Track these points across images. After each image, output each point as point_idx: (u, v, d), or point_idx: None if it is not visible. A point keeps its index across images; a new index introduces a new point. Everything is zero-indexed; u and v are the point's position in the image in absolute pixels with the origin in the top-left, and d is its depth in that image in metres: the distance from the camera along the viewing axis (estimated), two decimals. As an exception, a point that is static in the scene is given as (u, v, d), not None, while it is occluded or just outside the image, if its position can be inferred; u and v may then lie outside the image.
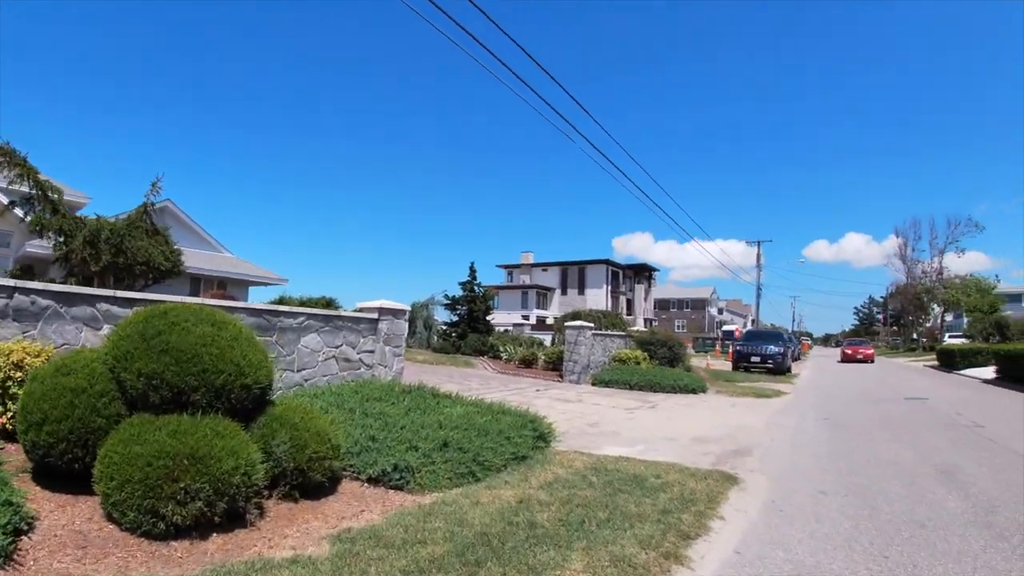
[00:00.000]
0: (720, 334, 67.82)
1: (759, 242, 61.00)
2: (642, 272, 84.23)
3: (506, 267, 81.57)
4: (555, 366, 20.92)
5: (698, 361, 28.82)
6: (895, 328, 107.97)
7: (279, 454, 5.04)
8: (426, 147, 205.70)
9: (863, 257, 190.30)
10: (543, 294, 74.05)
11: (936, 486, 7.09)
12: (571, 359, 18.96)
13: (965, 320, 77.33)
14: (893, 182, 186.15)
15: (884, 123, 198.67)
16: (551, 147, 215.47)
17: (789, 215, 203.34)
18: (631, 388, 17.74)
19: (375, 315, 10.60)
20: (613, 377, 18.39)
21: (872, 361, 44.54)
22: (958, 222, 73.15)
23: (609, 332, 22.49)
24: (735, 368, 28.43)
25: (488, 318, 30.24)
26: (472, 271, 30.50)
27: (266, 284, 33.36)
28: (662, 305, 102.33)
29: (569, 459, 7.44)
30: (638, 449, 8.72)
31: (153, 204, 17.16)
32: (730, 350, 46.37)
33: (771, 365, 27.39)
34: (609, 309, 50.49)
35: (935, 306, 75.10)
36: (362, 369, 10.34)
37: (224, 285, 30.54)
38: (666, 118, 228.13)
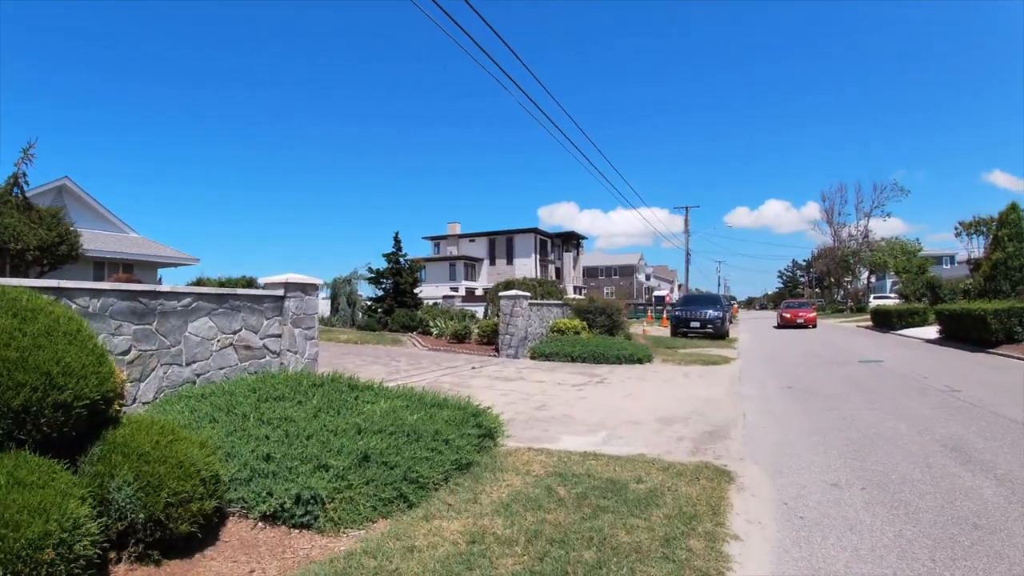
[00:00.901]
0: (652, 299, 67.61)
1: (687, 207, 60.68)
2: (570, 240, 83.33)
3: (433, 239, 79.60)
4: (489, 340, 19.54)
5: (633, 328, 27.76)
6: (818, 290, 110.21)
7: (120, 501, 3.47)
8: (349, 123, 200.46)
9: (782, 223, 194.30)
10: (471, 265, 72.58)
11: (957, 468, 6.10)
12: (507, 332, 17.59)
13: (888, 282, 79.11)
14: (812, 151, 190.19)
15: (799, 97, 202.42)
16: (477, 112, 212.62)
17: (711, 183, 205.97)
18: (573, 360, 16.53)
19: (280, 291, 8.92)
20: (553, 349, 17.13)
21: (814, 326, 37.78)
22: (884, 186, 74.45)
23: (546, 301, 21.20)
24: (674, 334, 27.52)
25: (416, 291, 28.48)
26: (397, 242, 28.58)
27: (176, 265, 31.13)
28: (590, 273, 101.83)
29: (524, 461, 6.05)
30: (601, 438, 7.43)
31: (24, 174, 14.89)
32: (664, 316, 45.99)
33: (710, 330, 26.55)
34: (539, 278, 49.30)
35: (861, 268, 76.21)
36: (268, 357, 8.70)
37: (131, 268, 28.31)
38: (614, 95, 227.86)
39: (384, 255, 28.61)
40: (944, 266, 72.99)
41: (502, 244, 74.44)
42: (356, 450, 4.93)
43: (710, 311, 27.17)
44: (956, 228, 58.68)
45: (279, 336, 8.89)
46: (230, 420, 5.55)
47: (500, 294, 18.59)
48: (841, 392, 11.37)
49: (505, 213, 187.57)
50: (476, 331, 20.42)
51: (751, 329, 37.64)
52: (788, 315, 38.62)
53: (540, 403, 9.99)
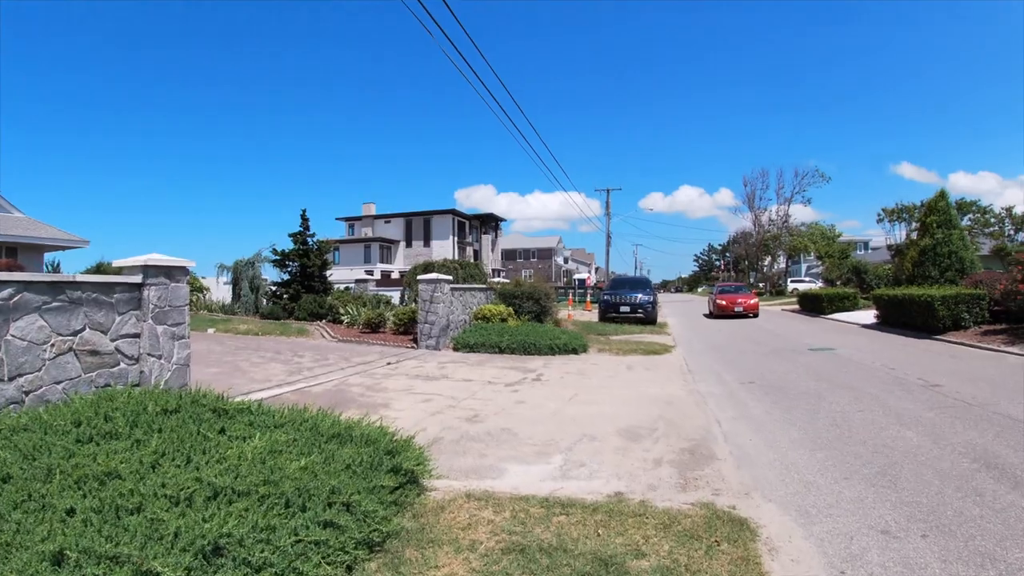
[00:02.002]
0: (573, 282, 66.63)
1: (608, 190, 60.02)
2: (488, 222, 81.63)
3: (347, 220, 76.60)
4: (406, 329, 17.71)
5: (559, 313, 26.18)
6: (733, 274, 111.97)
7: None
8: (258, 93, 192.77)
9: (696, 208, 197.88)
10: (387, 247, 70.16)
11: (1012, 494, 4.97)
12: (427, 320, 15.78)
13: (804, 266, 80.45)
14: (724, 142, 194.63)
15: (710, 90, 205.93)
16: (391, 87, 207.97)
17: (625, 169, 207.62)
18: (501, 352, 14.88)
19: (138, 278, 6.88)
20: (478, 339, 15.43)
21: (756, 314, 31.03)
22: (806, 172, 75.39)
23: (469, 286, 19.39)
24: (602, 319, 26.14)
25: (325, 275, 26.10)
26: (304, 220, 25.95)
27: (65, 248, 28.02)
28: (509, 255, 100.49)
29: (464, 522, 4.29)
30: (557, 466, 5.79)
31: None
32: (587, 299, 44.74)
33: (640, 315, 25.29)
34: (459, 260, 47.56)
35: (781, 252, 77.01)
36: (123, 365, 6.70)
37: (14, 252, 25.33)
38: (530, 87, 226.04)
39: (290, 235, 26.00)
40: (859, 252, 74.23)
41: (419, 226, 72.26)
42: (201, 538, 3.05)
43: (640, 295, 25.94)
44: (879, 215, 59.54)
45: (136, 336, 6.88)
46: (27, 477, 3.66)
47: (419, 277, 16.71)
48: (813, 388, 10.17)
49: (422, 195, 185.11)
50: (392, 319, 18.50)
51: (676, 313, 36.68)
52: (724, 302, 31.12)
53: (471, 411, 8.26)
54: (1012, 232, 63.90)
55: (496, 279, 25.91)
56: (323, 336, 18.69)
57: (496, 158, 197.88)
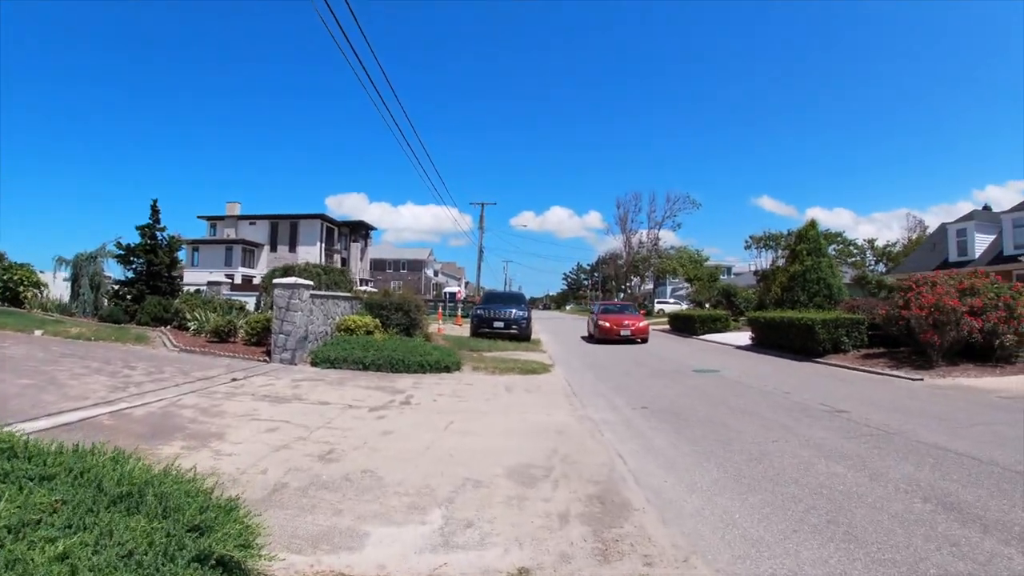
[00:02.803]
0: (444, 296, 65.42)
1: (483, 204, 59.45)
2: (359, 230, 79.09)
3: (209, 219, 71.58)
4: (260, 339, 15.90)
5: (428, 327, 24.85)
6: (599, 293, 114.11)
7: None
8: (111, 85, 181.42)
9: (565, 228, 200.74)
10: (250, 250, 66.59)
11: (992, 543, 4.36)
12: (282, 330, 14.15)
13: (669, 288, 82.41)
14: (591, 168, 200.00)
15: (578, 122, 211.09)
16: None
17: (502, 186, 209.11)
18: (366, 368, 13.48)
19: None
20: (340, 354, 13.92)
21: (645, 340, 26.79)
22: (678, 197, 77.40)
23: (332, 293, 17.83)
24: (474, 334, 24.95)
25: (174, 274, 23.65)
26: (154, 211, 23.25)
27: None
28: (379, 266, 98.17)
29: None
30: (436, 527, 4.54)
31: None
32: (457, 314, 43.49)
33: (514, 331, 24.32)
34: (324, 265, 45.51)
35: (650, 274, 78.55)
36: None
37: None
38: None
39: (138, 228, 23.32)
40: (724, 276, 76.60)
41: (285, 229, 68.96)
42: None
43: (514, 311, 24.97)
44: (747, 241, 62.20)
45: None
46: None
47: (275, 281, 15.04)
48: (715, 415, 9.50)
49: (291, 199, 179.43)
50: (244, 328, 16.65)
51: (548, 330, 35.89)
52: (607, 324, 26.56)
53: (326, 446, 6.86)
54: (873, 263, 67.52)
55: (364, 288, 24.20)
56: (164, 344, 16.62)
57: (371, 165, 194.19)
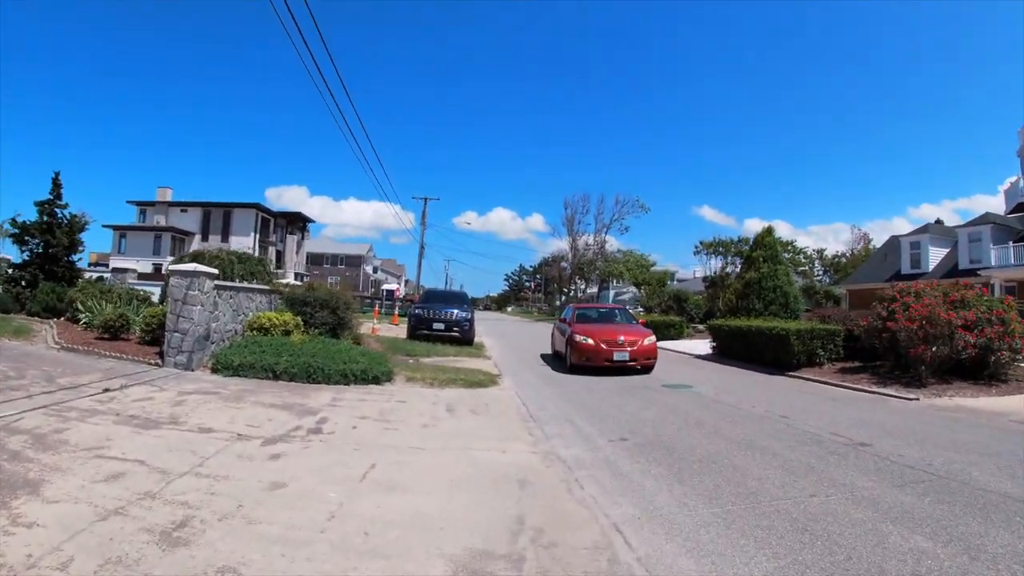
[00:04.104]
0: (382, 293, 62.75)
1: (426, 198, 57.07)
2: (296, 222, 75.84)
3: (139, 204, 67.53)
4: (157, 338, 13.16)
5: (362, 326, 22.33)
6: (543, 296, 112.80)
7: None
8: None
9: (508, 230, 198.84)
10: (180, 239, 62.89)
11: None
12: (177, 327, 11.64)
13: (612, 292, 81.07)
14: (531, 165, 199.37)
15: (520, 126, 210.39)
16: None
17: (446, 184, 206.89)
18: (276, 377, 11.10)
19: None
20: (247, 359, 11.45)
21: (650, 368, 16.16)
22: (627, 201, 75.39)
23: (244, 285, 15.24)
24: (412, 336, 22.39)
25: (74, 258, 20.74)
26: (56, 186, 20.48)
27: None
28: (316, 260, 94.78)
29: None
30: None
31: None
32: (395, 312, 40.87)
33: (456, 333, 21.93)
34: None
35: (594, 277, 76.86)
36: None
37: None
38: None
39: (36, 203, 20.38)
40: (670, 282, 75.49)
41: (218, 218, 65.55)
42: None
43: (456, 311, 22.55)
44: (696, 247, 60.48)
45: None
46: None
47: (171, 268, 12.49)
48: (714, 451, 7.49)
49: (229, 189, 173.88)
50: (140, 323, 14.07)
51: (490, 332, 33.35)
52: (592, 343, 15.73)
53: (179, 514, 4.53)
54: (820, 273, 67.12)
55: (287, 282, 21.46)
56: (46, 340, 13.96)
57: (314, 156, 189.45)
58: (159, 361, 11.81)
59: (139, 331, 13.93)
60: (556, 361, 18.10)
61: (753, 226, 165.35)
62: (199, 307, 11.73)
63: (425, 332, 21.98)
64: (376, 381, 11.46)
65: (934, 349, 13.74)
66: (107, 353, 12.51)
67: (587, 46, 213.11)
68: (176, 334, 11.61)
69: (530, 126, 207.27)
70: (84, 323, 15.63)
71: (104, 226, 62.79)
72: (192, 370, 11.42)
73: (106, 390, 9.11)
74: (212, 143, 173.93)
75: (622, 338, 15.77)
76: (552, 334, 20.87)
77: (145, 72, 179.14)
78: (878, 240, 75.13)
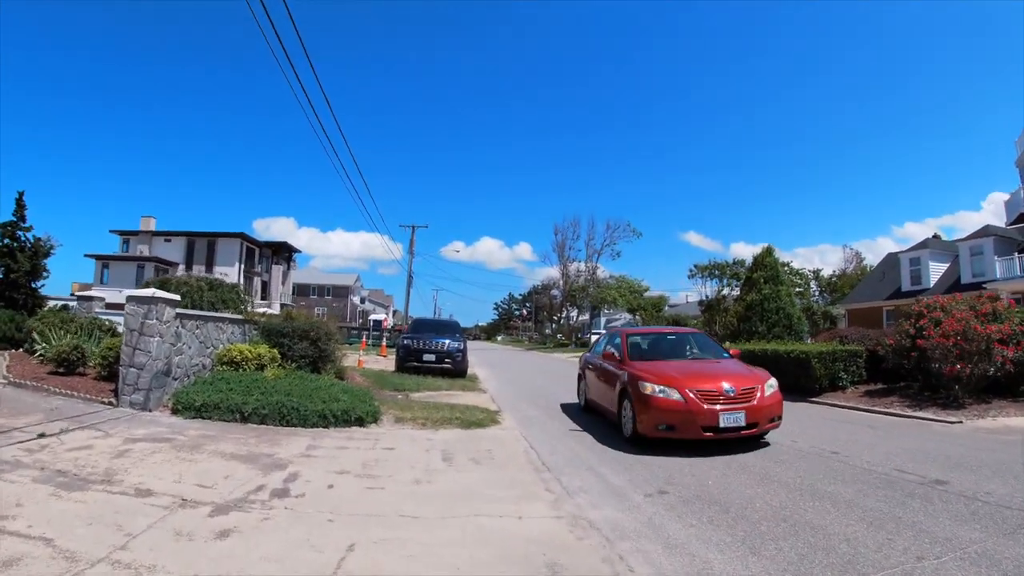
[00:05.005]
0: (370, 323, 61.24)
1: (413, 226, 55.88)
2: (281, 251, 74.31)
3: (121, 233, 66.02)
4: (115, 372, 11.83)
5: (348, 360, 20.65)
6: (532, 324, 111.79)
7: None
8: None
9: (496, 260, 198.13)
10: (164, 269, 60.89)
11: None
12: (133, 362, 10.17)
13: (603, 319, 79.88)
14: (533, 195, 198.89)
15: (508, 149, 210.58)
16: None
17: (433, 214, 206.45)
18: (244, 420, 9.64)
19: None
20: (211, 398, 9.98)
21: (763, 434, 9.45)
22: (618, 225, 74.37)
23: (213, 314, 13.59)
24: (401, 368, 20.93)
25: (37, 284, 19.17)
26: (20, 206, 18.95)
27: None
28: (302, 291, 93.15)
29: None
30: None
31: None
32: (383, 343, 39.17)
33: (448, 365, 20.43)
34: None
35: (586, 304, 75.47)
36: None
37: None
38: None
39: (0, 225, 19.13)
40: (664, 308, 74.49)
41: (202, 248, 63.99)
42: None
43: (448, 341, 21.00)
44: (691, 270, 58.91)
45: None
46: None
47: (127, 294, 11.03)
48: (777, 504, 6.07)
49: (215, 221, 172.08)
50: (97, 356, 12.59)
51: (482, 363, 31.76)
52: (680, 397, 8.86)
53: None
54: (817, 293, 66.09)
55: (263, 311, 20.04)
56: (-9, 376, 12.56)
57: (301, 186, 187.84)
58: (113, 400, 10.35)
59: (97, 363, 12.44)
60: (593, 418, 12.21)
61: (740, 250, 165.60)
62: (157, 338, 10.27)
63: (415, 364, 20.51)
64: (360, 423, 10.02)
65: (971, 366, 12.55)
66: (57, 390, 11.02)
67: (571, 67, 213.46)
68: (132, 369, 10.16)
69: (515, 152, 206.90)
70: (39, 356, 14.16)
71: (86, 255, 61.52)
72: (149, 410, 9.96)
73: (41, 435, 7.70)
74: (198, 173, 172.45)
75: (729, 385, 8.98)
76: (581, 374, 13.87)
77: (131, 100, 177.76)
78: (869, 259, 74.52)
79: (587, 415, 12.58)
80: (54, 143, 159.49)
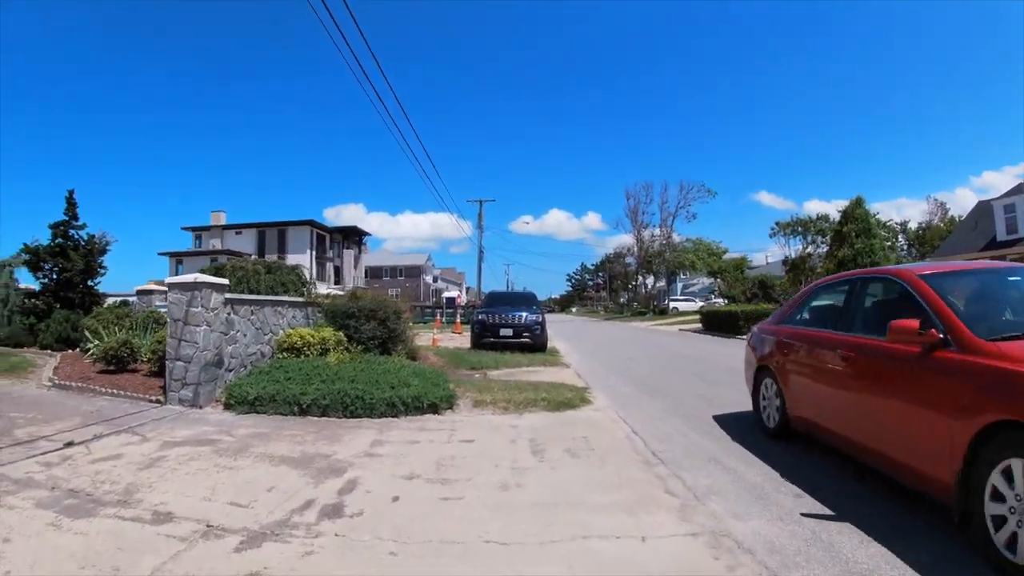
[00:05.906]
0: (443, 301, 60.60)
1: (481, 201, 54.95)
2: (351, 236, 74.54)
3: (193, 230, 67.82)
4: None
5: (421, 339, 19.24)
6: (606, 294, 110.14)
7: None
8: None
9: (564, 231, 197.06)
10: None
11: None
12: (180, 354, 9.15)
13: (680, 284, 77.60)
14: (588, 168, 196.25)
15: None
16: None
17: (499, 189, 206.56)
18: (303, 412, 8.47)
19: None
20: (268, 389, 8.83)
21: None
22: (692, 186, 71.25)
23: (269, 298, 12.46)
24: (476, 345, 19.63)
25: (93, 282, 18.52)
26: (70, 205, 18.28)
27: None
28: (374, 273, 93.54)
29: None
30: None
31: None
32: (457, 320, 38.08)
33: (527, 339, 18.96)
34: (315, 277, 40.76)
35: (662, 270, 73.10)
36: None
37: None
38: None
39: (50, 226, 18.20)
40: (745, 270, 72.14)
41: (273, 237, 64.61)
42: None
43: (525, 314, 19.57)
44: (772, 228, 56.13)
45: None
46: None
47: (168, 281, 9.95)
48: None
49: (287, 211, 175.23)
50: (147, 352, 11.64)
51: (560, 335, 29.78)
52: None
53: None
54: (905, 247, 62.97)
55: (326, 292, 18.89)
56: (43, 377, 11.70)
57: (369, 175, 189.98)
58: (161, 398, 9.35)
59: (148, 358, 11.49)
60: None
61: (813, 208, 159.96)
62: (204, 327, 9.18)
63: (491, 340, 19.19)
64: (434, 409, 8.76)
65: None
66: (104, 390, 10.07)
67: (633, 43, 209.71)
68: (179, 363, 9.10)
69: (583, 123, 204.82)
70: (91, 354, 13.37)
71: (159, 253, 62.62)
72: (200, 406, 8.91)
73: (69, 443, 6.65)
74: (267, 167, 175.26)
75: None
76: (766, 365, 7.49)
77: (205, 103, 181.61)
78: (954, 210, 70.40)
79: (705, 403, 9.70)
80: (129, 143, 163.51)
